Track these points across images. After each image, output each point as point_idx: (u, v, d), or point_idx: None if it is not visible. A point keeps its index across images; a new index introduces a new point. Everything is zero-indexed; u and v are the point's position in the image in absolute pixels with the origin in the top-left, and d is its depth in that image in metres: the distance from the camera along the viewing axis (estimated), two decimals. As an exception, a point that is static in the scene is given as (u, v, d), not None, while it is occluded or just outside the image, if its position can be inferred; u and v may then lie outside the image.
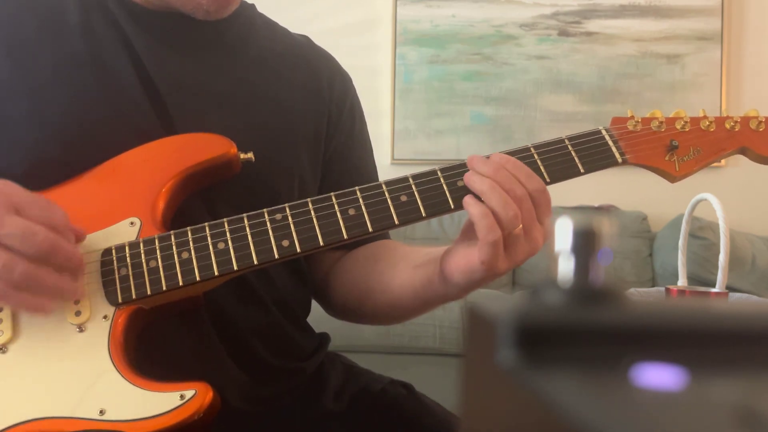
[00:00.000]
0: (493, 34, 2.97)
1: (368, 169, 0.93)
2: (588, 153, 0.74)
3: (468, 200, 0.69)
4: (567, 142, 0.74)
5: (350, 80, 0.94)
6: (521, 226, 0.66)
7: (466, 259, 0.69)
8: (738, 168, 2.79)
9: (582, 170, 0.73)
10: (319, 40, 0.95)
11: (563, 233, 0.22)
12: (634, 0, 2.93)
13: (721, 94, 2.87)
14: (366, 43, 2.98)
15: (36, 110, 0.75)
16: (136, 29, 0.79)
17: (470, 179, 0.70)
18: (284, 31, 0.93)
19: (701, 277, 2.35)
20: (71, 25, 0.78)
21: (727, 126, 0.76)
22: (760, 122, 0.76)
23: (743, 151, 0.77)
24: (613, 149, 0.74)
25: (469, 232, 0.70)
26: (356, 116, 0.93)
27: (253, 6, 0.92)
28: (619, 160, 0.74)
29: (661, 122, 0.76)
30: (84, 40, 0.77)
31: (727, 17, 2.90)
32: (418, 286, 0.76)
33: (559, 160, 0.73)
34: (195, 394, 0.65)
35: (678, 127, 0.76)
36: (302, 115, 0.85)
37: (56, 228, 0.63)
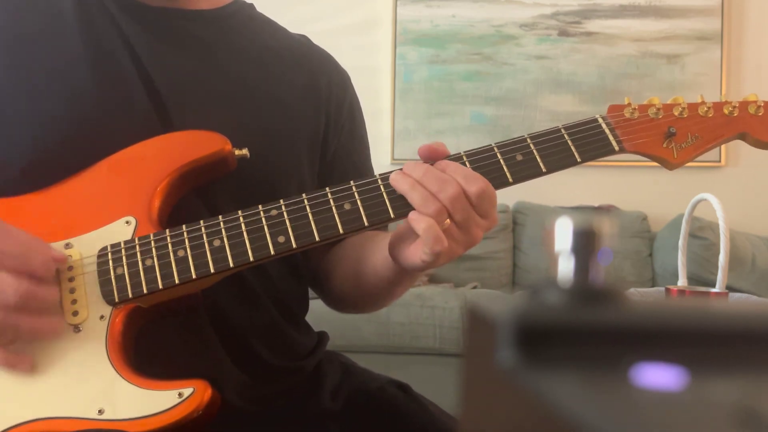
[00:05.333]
0: (493, 34, 2.97)
1: (366, 168, 0.93)
2: (584, 141, 0.72)
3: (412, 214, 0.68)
4: (563, 131, 0.72)
5: (349, 79, 0.95)
6: (449, 221, 0.66)
7: (410, 250, 0.69)
8: (738, 168, 2.80)
9: (578, 159, 0.71)
10: (319, 40, 0.95)
11: (563, 233, 0.22)
12: (634, 0, 2.93)
13: (721, 94, 2.85)
14: (366, 43, 2.98)
15: (35, 108, 0.75)
16: (135, 28, 0.79)
17: (393, 179, 0.69)
18: (283, 30, 0.93)
19: (701, 277, 2.35)
20: (70, 23, 0.78)
21: (726, 111, 0.75)
22: (759, 107, 0.75)
23: (742, 137, 0.76)
24: (610, 137, 0.73)
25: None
26: (355, 115, 0.94)
27: (251, 5, 0.92)
28: (616, 148, 0.73)
29: (659, 109, 0.75)
30: (83, 38, 0.77)
31: (727, 17, 2.90)
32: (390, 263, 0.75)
33: (556, 149, 0.71)
34: (193, 391, 0.65)
35: (676, 113, 0.75)
36: (301, 114, 0.85)
37: (32, 274, 0.64)
